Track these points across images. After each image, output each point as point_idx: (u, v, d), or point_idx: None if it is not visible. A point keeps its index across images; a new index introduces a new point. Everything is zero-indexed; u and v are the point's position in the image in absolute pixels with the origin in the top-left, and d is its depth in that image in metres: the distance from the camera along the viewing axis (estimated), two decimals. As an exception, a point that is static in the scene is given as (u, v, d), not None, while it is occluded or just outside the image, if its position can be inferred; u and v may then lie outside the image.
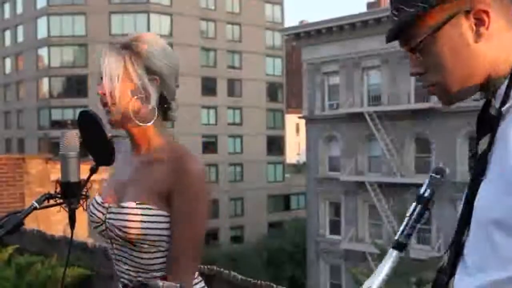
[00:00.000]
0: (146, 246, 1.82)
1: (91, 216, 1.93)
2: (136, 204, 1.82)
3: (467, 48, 1.21)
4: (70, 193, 1.63)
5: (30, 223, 7.97)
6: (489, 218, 1.13)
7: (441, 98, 1.28)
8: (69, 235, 1.78)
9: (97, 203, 1.93)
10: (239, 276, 4.81)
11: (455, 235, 1.25)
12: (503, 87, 1.21)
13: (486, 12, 1.20)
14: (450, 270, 1.25)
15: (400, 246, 1.40)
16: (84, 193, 1.67)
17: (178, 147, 1.90)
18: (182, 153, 1.85)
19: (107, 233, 1.88)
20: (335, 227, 29.43)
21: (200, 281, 1.93)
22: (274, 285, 4.67)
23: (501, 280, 1.11)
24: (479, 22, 1.20)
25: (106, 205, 1.90)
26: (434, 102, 24.40)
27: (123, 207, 1.84)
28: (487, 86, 1.24)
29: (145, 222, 1.80)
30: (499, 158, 1.15)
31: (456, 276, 1.23)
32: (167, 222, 1.82)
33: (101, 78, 1.86)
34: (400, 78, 26.89)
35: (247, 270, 20.92)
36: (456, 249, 1.24)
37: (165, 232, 1.82)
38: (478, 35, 1.21)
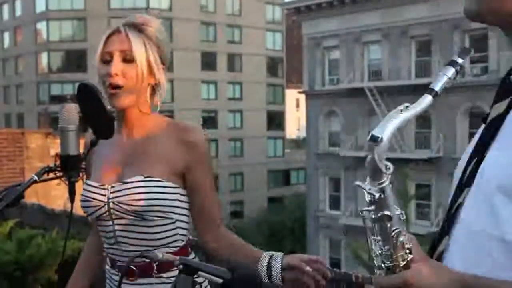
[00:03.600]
0: (157, 218, 1.83)
1: (87, 201, 1.89)
2: (144, 177, 1.84)
3: None
4: (70, 166, 1.62)
5: (30, 199, 8.00)
6: (497, 183, 1.11)
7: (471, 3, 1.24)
8: (69, 209, 1.78)
9: (93, 186, 1.91)
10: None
11: (451, 201, 1.25)
12: None
13: None
14: (440, 233, 1.24)
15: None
16: (83, 166, 1.67)
17: (174, 121, 1.96)
18: (184, 126, 1.91)
19: (112, 212, 1.86)
20: (335, 203, 29.54)
21: (191, 252, 1.96)
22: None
23: (491, 235, 1.11)
24: None
25: (106, 186, 1.88)
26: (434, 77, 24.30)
27: (129, 183, 1.84)
28: None
29: (154, 193, 1.82)
30: None
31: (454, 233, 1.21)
32: (176, 193, 1.86)
33: (108, 55, 1.85)
34: (400, 53, 26.77)
35: (247, 245, 21.01)
36: (449, 214, 1.24)
37: (174, 203, 1.86)
38: None
